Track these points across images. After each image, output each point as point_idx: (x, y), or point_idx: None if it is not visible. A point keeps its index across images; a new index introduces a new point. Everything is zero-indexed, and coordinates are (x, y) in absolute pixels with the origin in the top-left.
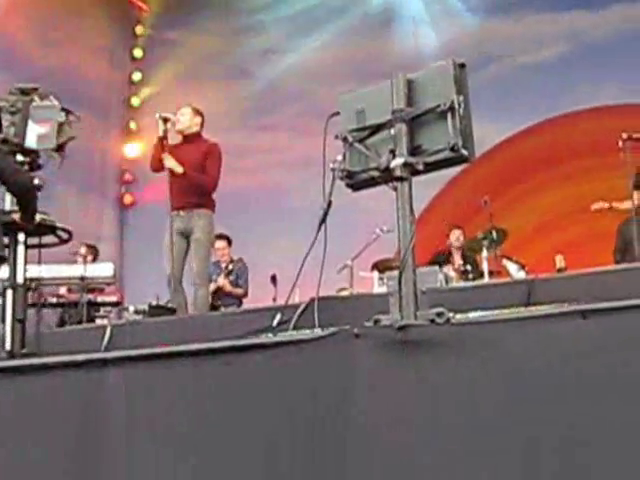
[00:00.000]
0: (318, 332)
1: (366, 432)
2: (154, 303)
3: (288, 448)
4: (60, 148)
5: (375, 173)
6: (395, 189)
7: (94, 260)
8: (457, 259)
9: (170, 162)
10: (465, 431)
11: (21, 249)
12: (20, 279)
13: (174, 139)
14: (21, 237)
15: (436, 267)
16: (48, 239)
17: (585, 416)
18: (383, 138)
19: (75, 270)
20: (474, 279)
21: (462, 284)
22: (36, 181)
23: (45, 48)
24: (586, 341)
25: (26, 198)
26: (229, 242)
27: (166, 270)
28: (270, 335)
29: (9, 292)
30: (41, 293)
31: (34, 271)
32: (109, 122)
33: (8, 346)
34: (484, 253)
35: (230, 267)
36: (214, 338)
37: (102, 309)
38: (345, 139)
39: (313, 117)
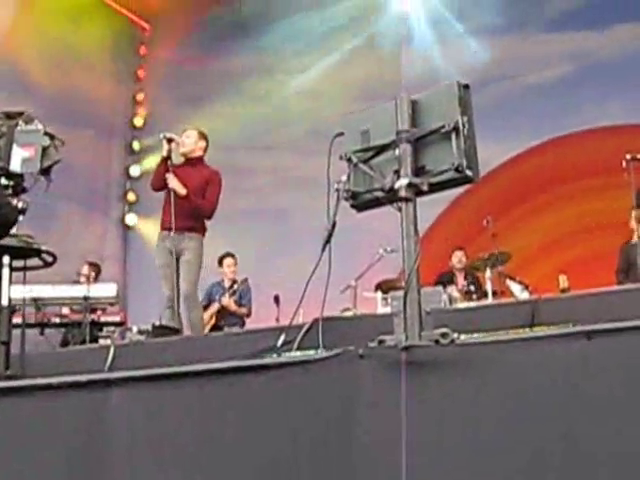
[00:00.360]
0: (322, 353)
1: (370, 452)
2: (157, 323)
3: (292, 468)
4: (46, 171)
5: (379, 194)
6: (399, 210)
7: (96, 278)
8: (460, 280)
9: (174, 182)
10: (469, 451)
11: (5, 271)
12: (5, 301)
13: (176, 160)
14: (5, 260)
15: (440, 287)
16: (33, 262)
17: (588, 436)
18: (387, 159)
19: (78, 290)
20: (478, 299)
21: (466, 305)
22: (20, 204)
23: (49, 67)
24: (590, 362)
25: (5, 228)
26: (235, 261)
27: (164, 291)
28: (274, 355)
29: None
30: (44, 313)
31: (38, 291)
32: (113, 142)
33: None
34: (487, 273)
35: (235, 287)
36: (218, 358)
37: (105, 329)
38: (349, 159)
39: (318, 137)
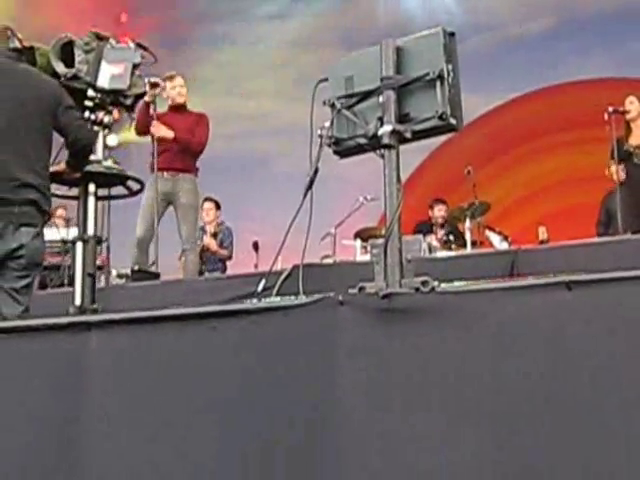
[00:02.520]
0: (303, 299)
1: (350, 397)
2: (137, 267)
3: (271, 413)
4: (132, 107)
5: (362, 140)
6: (382, 157)
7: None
8: (439, 230)
9: (160, 131)
10: (450, 396)
11: (92, 200)
12: (90, 231)
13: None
14: (92, 188)
15: (420, 236)
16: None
17: (569, 385)
18: (371, 105)
19: (56, 233)
20: (457, 249)
21: (446, 254)
22: (106, 119)
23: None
24: (570, 312)
25: (83, 156)
26: (217, 206)
27: (137, 230)
28: (255, 301)
29: (79, 245)
30: None
31: None
32: None
33: (78, 301)
34: (467, 223)
35: (216, 230)
36: (198, 303)
37: None
38: (333, 105)
39: (298, 84)
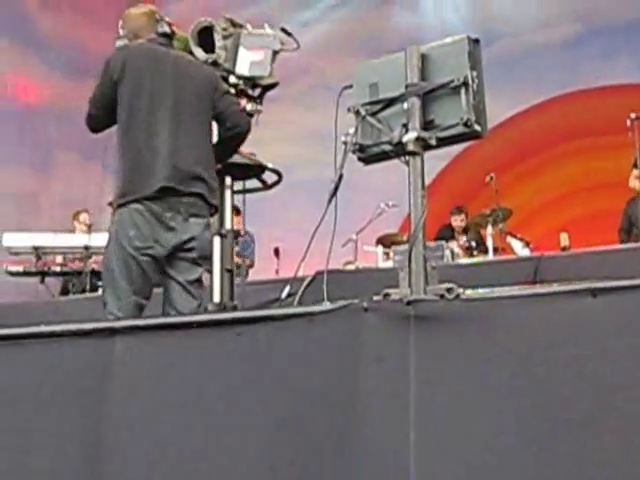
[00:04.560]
0: (328, 305)
1: (375, 405)
2: None
3: (295, 420)
4: (259, 98)
5: (387, 147)
6: (407, 163)
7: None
8: (461, 237)
9: None
10: (474, 404)
11: (228, 194)
12: (228, 226)
13: None
14: (228, 181)
15: (443, 242)
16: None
17: (593, 393)
18: (396, 112)
19: (79, 239)
20: (479, 255)
21: (469, 260)
22: (248, 107)
23: (52, 18)
24: (595, 319)
25: (237, 144)
26: (237, 212)
27: None
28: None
29: (217, 240)
30: (45, 261)
31: (39, 239)
32: None
33: (217, 298)
34: (489, 229)
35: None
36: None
37: None
38: (357, 112)
39: (320, 91)
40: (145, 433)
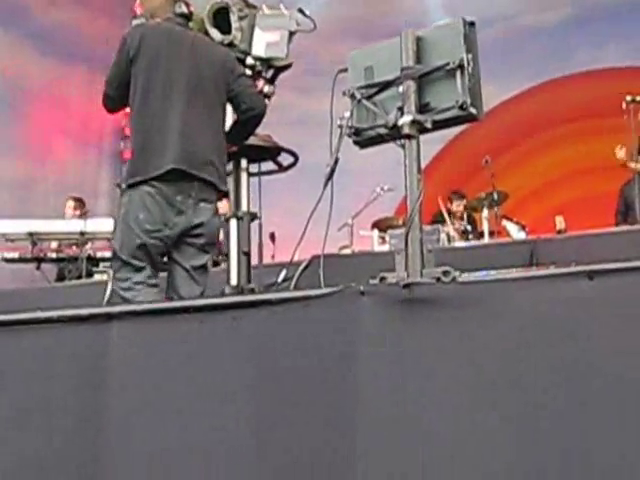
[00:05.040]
0: (324, 289)
1: (371, 387)
2: None
3: (293, 404)
4: (272, 80)
5: (383, 130)
6: (403, 147)
7: (83, 213)
8: (457, 221)
9: None
10: (470, 387)
11: (244, 176)
12: (244, 208)
13: None
14: (244, 163)
15: (438, 226)
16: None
17: (590, 376)
18: (391, 95)
19: (75, 225)
20: (474, 239)
21: (465, 243)
22: (266, 88)
23: (45, 4)
24: (592, 302)
25: (252, 126)
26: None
27: None
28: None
29: (233, 222)
30: (40, 248)
31: (34, 225)
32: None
33: (234, 280)
34: (485, 213)
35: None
36: (219, 294)
37: (101, 264)
38: (353, 96)
39: (314, 75)
40: (142, 418)
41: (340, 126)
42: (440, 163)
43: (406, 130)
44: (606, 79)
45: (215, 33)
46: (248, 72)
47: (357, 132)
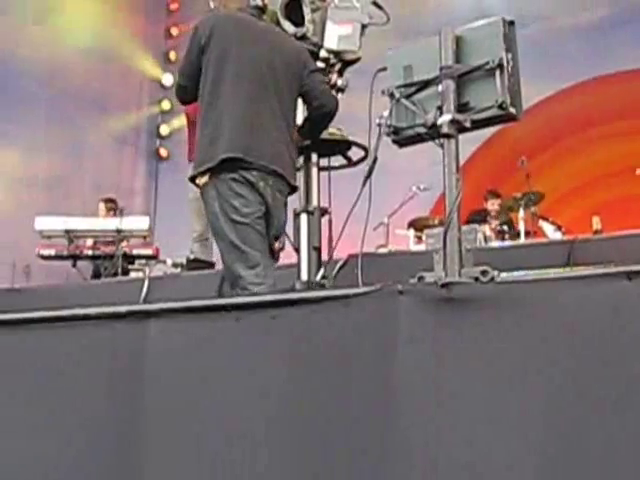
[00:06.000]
0: (363, 288)
1: (410, 386)
2: (192, 257)
3: (331, 401)
4: (340, 72)
5: (421, 129)
6: (441, 146)
7: (115, 212)
8: (493, 221)
9: None
10: (508, 386)
11: (314, 171)
12: (315, 202)
13: None
14: (314, 158)
15: (475, 225)
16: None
17: (629, 375)
18: (430, 94)
19: (111, 223)
20: (511, 239)
21: (503, 243)
22: (339, 82)
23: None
24: (631, 302)
25: (324, 123)
26: None
27: (195, 226)
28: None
29: (303, 217)
30: (77, 245)
31: (70, 223)
32: (145, 77)
33: (304, 276)
34: (521, 213)
35: None
36: (254, 292)
37: (137, 262)
38: (392, 95)
39: (353, 74)
40: (180, 415)
41: (379, 125)
42: (476, 163)
43: (445, 129)
44: None
45: (288, 25)
46: (321, 65)
47: (396, 131)
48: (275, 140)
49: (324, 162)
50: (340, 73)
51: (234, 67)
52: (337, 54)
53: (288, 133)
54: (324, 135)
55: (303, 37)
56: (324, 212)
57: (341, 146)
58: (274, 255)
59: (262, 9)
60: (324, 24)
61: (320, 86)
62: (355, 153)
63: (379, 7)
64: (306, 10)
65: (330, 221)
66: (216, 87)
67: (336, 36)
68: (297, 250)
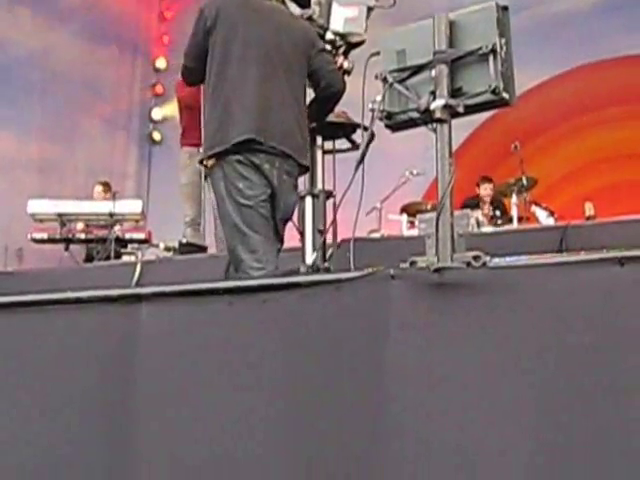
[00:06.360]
0: (355, 272)
1: (401, 370)
2: (184, 240)
3: (323, 386)
4: (348, 50)
5: (414, 114)
6: (434, 131)
7: (110, 196)
8: (486, 205)
9: None
10: (499, 370)
11: (319, 154)
12: (319, 185)
13: None
14: (319, 141)
15: (468, 211)
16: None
17: (620, 360)
18: (423, 79)
19: (103, 206)
20: (503, 225)
21: (495, 229)
22: (345, 64)
23: None
24: (622, 287)
25: (332, 104)
26: None
27: (187, 210)
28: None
29: (308, 200)
30: (69, 228)
31: (63, 206)
32: (137, 59)
33: (309, 259)
34: (514, 199)
35: None
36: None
37: (129, 246)
38: (385, 79)
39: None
40: (171, 398)
41: (372, 109)
42: (469, 148)
43: (438, 114)
44: (636, 65)
45: (294, 7)
46: (328, 47)
47: (389, 116)
48: (285, 120)
49: (329, 145)
50: (345, 55)
51: (241, 49)
52: (343, 36)
53: (299, 112)
54: (329, 118)
55: (309, 19)
56: (329, 195)
57: (346, 129)
58: (281, 238)
59: None
60: (330, 6)
61: (328, 66)
62: (360, 136)
63: None
64: None
65: (334, 204)
66: (223, 69)
67: (342, 18)
68: (301, 233)
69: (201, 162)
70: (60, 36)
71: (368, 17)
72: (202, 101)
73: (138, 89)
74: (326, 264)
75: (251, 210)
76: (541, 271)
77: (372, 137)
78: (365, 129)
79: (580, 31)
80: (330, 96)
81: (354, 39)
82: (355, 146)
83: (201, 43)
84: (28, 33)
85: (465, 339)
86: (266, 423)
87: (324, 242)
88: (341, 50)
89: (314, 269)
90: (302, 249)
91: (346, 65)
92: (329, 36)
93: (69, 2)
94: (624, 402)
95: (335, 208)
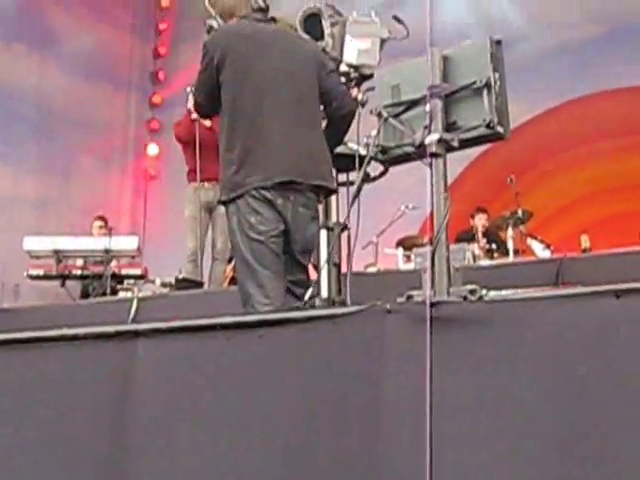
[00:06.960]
0: (351, 307)
1: (397, 405)
2: (180, 276)
3: (319, 421)
4: (360, 82)
5: (409, 149)
6: (429, 165)
7: (107, 232)
8: (482, 240)
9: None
10: (495, 407)
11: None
12: (334, 218)
13: None
14: (333, 172)
15: (464, 244)
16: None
17: (617, 396)
18: (418, 114)
19: (100, 242)
20: (499, 258)
21: (491, 262)
22: (360, 96)
23: (71, 22)
24: (619, 321)
25: (345, 126)
26: None
27: (188, 244)
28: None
29: (323, 233)
30: (65, 265)
31: (59, 243)
32: (132, 94)
33: (324, 293)
34: (510, 232)
35: None
36: (242, 312)
37: (125, 282)
38: (380, 114)
39: None
40: (169, 435)
41: (367, 144)
42: (464, 182)
43: (433, 148)
44: (629, 98)
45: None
46: (342, 79)
47: (384, 150)
48: (309, 149)
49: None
50: (358, 87)
51: (254, 83)
52: (356, 68)
53: (318, 136)
54: (342, 150)
55: (322, 51)
56: (344, 228)
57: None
58: (305, 269)
59: (265, 10)
60: (343, 38)
61: (339, 87)
62: (374, 169)
63: (399, 21)
64: (325, 24)
65: (349, 236)
66: (237, 105)
67: (355, 50)
68: (316, 267)
69: (220, 202)
70: (55, 73)
71: (381, 49)
72: (218, 139)
73: (133, 125)
74: (341, 297)
75: (262, 245)
76: (537, 304)
77: (385, 171)
78: (384, 164)
79: (573, 64)
80: (343, 117)
81: (367, 71)
82: (369, 178)
83: (211, 80)
84: (24, 70)
85: (462, 373)
86: (264, 459)
87: (339, 275)
88: (354, 82)
89: (330, 302)
90: (317, 282)
91: (360, 97)
92: (343, 68)
93: (65, 39)
94: (619, 434)
95: (349, 241)
